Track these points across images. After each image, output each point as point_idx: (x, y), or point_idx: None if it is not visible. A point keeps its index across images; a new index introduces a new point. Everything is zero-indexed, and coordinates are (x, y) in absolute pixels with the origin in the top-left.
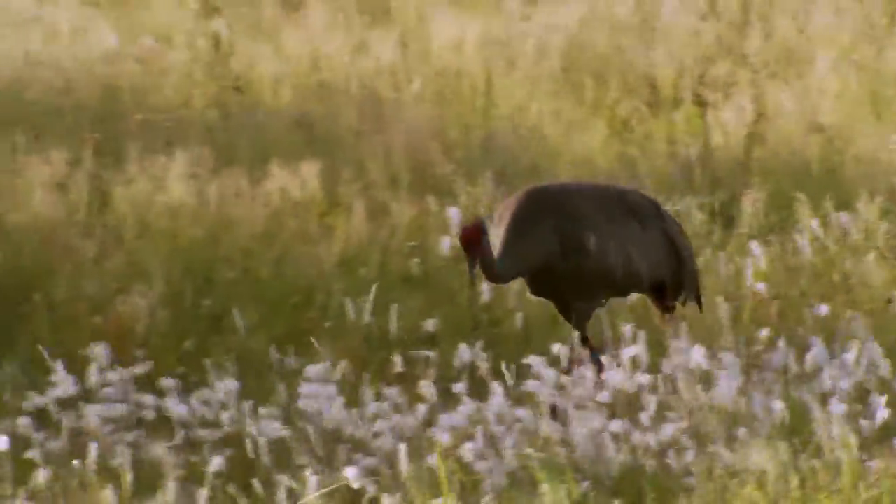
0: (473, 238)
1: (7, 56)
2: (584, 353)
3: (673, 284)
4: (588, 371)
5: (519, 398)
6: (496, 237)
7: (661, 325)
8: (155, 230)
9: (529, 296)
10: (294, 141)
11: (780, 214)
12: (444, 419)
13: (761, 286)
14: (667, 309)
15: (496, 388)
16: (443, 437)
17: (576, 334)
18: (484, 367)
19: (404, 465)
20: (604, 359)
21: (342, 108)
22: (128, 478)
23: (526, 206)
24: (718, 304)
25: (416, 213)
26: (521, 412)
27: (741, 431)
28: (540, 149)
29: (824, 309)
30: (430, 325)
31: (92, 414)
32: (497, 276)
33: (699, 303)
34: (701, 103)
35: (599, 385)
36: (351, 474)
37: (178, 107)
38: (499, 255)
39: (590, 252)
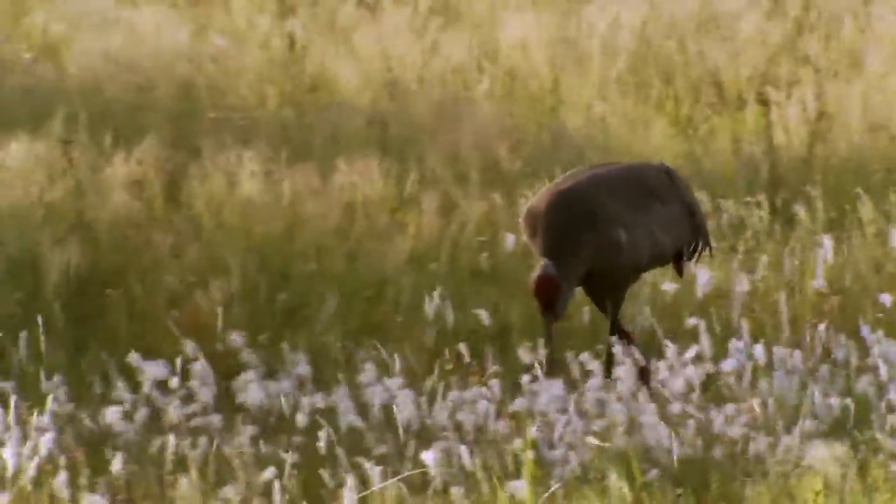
0: (551, 297)
1: (89, 56)
2: (624, 347)
3: (691, 248)
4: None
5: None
6: (532, 248)
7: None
8: (230, 226)
9: None
10: (366, 139)
11: (840, 211)
12: (510, 409)
13: (820, 282)
14: (681, 267)
15: (557, 379)
16: (506, 427)
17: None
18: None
19: (472, 455)
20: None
21: (413, 107)
22: (203, 468)
23: (558, 217)
24: (779, 299)
25: (485, 210)
26: (587, 401)
27: (804, 424)
28: (605, 146)
29: (887, 298)
30: (498, 318)
31: (169, 405)
32: (561, 314)
33: (710, 250)
34: (764, 102)
35: (644, 385)
36: (429, 458)
37: (252, 106)
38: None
39: (623, 248)
